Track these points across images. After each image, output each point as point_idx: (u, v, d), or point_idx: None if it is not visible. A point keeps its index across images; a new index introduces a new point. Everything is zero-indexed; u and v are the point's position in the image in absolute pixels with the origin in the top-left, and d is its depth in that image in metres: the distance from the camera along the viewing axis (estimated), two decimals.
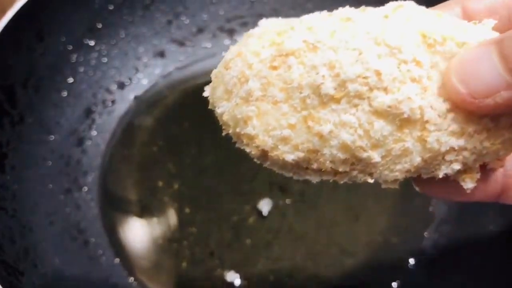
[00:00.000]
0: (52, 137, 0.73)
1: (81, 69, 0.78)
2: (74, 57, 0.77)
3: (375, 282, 0.69)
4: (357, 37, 0.30)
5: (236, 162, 0.75)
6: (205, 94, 0.36)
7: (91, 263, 0.67)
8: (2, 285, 0.49)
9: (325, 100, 0.30)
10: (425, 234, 0.72)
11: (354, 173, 0.33)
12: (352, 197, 0.75)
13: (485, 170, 0.35)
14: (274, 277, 0.68)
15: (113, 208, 0.73)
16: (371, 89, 0.29)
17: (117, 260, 0.68)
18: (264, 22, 0.37)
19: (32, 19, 0.69)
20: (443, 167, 0.32)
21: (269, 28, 0.35)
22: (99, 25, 0.79)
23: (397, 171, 0.33)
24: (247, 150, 0.33)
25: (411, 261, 0.70)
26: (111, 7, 0.79)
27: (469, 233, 0.69)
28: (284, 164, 0.33)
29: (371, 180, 0.34)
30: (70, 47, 0.76)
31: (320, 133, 0.30)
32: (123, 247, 0.70)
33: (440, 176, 0.33)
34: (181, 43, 0.87)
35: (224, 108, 0.33)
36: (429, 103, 0.30)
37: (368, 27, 0.31)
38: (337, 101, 0.30)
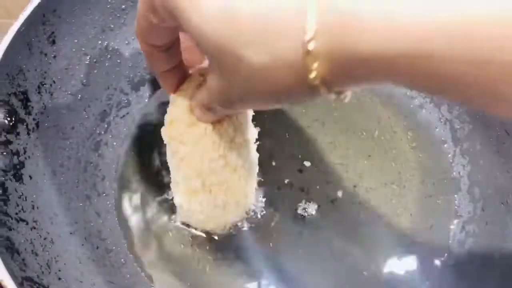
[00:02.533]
0: (68, 143, 0.71)
1: (95, 71, 0.76)
2: (87, 59, 0.75)
3: (402, 284, 0.67)
4: None
5: None
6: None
7: (114, 272, 0.66)
8: None
9: None
10: (451, 234, 0.71)
11: None
12: (372, 197, 0.73)
13: None
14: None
15: (131, 213, 0.72)
16: None
17: (138, 268, 0.67)
18: None
19: (43, 22, 0.67)
20: None
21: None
22: (112, 26, 0.77)
23: None
24: None
25: (437, 262, 0.69)
26: (123, 6, 0.77)
27: (496, 233, 0.68)
28: None
29: None
30: (83, 49, 0.74)
31: None
32: (141, 254, 0.69)
33: None
34: None
35: None
36: None
37: None
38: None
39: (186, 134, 0.59)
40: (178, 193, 0.64)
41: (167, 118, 0.62)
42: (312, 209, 0.71)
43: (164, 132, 0.62)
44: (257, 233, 0.70)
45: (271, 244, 0.69)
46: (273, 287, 0.66)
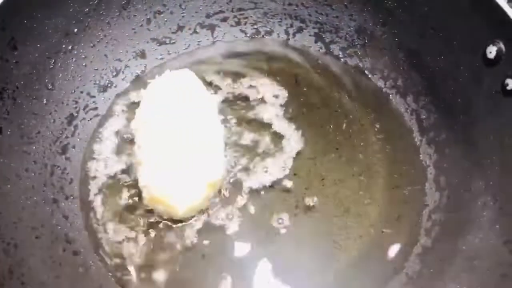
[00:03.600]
0: (33, 147, 0.71)
1: (60, 75, 0.76)
2: (51, 63, 0.75)
3: (370, 275, 0.68)
4: None
5: None
6: None
7: (82, 275, 0.66)
8: None
9: None
10: (418, 223, 0.71)
11: None
12: (340, 190, 0.74)
13: None
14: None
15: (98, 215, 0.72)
16: None
17: (106, 270, 0.68)
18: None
19: (3, 28, 0.67)
20: None
21: None
22: (75, 29, 0.77)
23: None
24: None
25: (405, 251, 0.69)
26: (86, 10, 0.77)
27: (461, 220, 0.68)
28: None
29: None
30: (47, 54, 0.74)
31: None
32: (111, 256, 0.69)
33: None
34: (161, 42, 0.85)
35: None
36: None
37: None
38: None
39: (150, 114, 0.71)
40: (143, 173, 0.69)
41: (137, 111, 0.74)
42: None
43: (133, 123, 0.74)
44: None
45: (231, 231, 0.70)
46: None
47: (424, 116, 0.78)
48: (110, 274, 0.67)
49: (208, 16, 0.87)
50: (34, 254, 0.62)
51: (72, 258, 0.67)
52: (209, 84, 0.82)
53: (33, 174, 0.69)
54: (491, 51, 0.67)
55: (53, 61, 0.75)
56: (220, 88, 0.82)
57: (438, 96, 0.77)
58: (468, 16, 0.70)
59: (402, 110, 0.80)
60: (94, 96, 0.80)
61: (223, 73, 0.84)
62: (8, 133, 0.67)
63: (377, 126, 0.80)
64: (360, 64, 0.85)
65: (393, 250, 0.70)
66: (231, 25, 0.88)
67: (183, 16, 0.86)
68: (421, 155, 0.76)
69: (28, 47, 0.71)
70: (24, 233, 0.63)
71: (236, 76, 0.83)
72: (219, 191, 0.72)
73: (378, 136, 0.78)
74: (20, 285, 0.57)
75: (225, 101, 0.81)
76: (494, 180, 0.66)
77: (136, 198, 0.72)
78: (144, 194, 0.70)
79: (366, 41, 0.84)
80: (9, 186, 0.65)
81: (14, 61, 0.69)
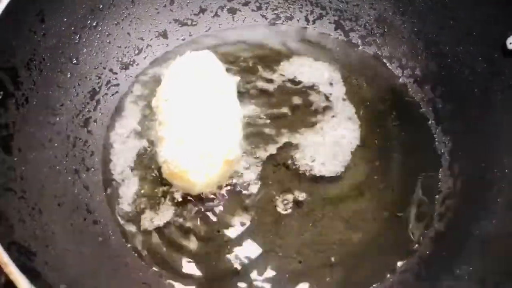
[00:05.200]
0: (57, 119, 0.72)
1: (84, 50, 0.77)
2: (76, 38, 0.76)
3: (382, 256, 0.69)
4: None
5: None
6: None
7: (101, 243, 0.67)
8: (16, 265, 0.49)
9: None
10: (432, 208, 0.72)
11: None
12: (355, 173, 0.75)
13: None
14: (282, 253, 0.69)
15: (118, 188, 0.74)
16: None
17: (124, 240, 0.69)
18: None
19: (32, 0, 0.68)
20: None
21: None
22: (101, 5, 0.78)
23: None
24: None
25: (418, 234, 0.70)
26: None
27: (475, 206, 0.69)
28: None
29: None
30: (72, 28, 0.75)
31: None
32: (129, 227, 0.71)
33: None
34: (183, 23, 0.86)
35: None
36: None
37: None
38: None
39: (171, 93, 0.72)
40: (163, 149, 0.70)
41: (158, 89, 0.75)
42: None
43: (154, 100, 0.75)
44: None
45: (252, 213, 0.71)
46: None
47: (440, 105, 0.79)
48: (129, 244, 0.69)
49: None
50: (57, 221, 0.64)
51: (92, 227, 0.68)
52: (230, 64, 0.83)
53: (56, 144, 0.71)
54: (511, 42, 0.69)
55: (78, 36, 0.76)
56: (237, 70, 0.83)
57: (455, 86, 0.78)
58: (488, 7, 0.71)
59: (418, 99, 0.82)
60: (116, 73, 0.81)
61: (243, 56, 0.85)
62: (34, 103, 0.69)
63: (394, 113, 0.81)
64: (379, 53, 0.86)
65: (406, 233, 0.70)
66: (252, 10, 0.89)
67: None
68: (436, 143, 0.78)
69: (55, 20, 0.72)
70: (47, 200, 0.64)
71: (256, 59, 0.85)
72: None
73: (394, 123, 0.80)
74: (44, 248, 0.58)
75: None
76: (509, 168, 0.67)
77: (155, 173, 0.73)
78: (163, 169, 0.71)
79: (385, 30, 0.85)
80: (34, 154, 0.66)
81: (41, 33, 0.70)
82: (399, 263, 0.68)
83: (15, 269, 0.49)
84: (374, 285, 0.67)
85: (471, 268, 0.62)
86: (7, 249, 0.51)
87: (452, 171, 0.74)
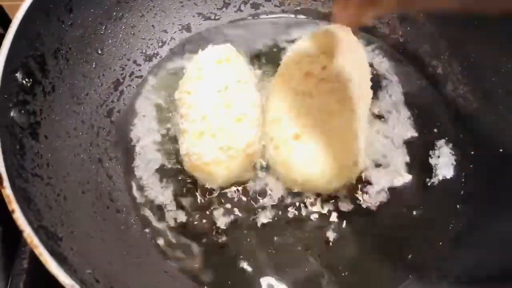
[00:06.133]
0: (82, 108, 0.73)
1: (109, 41, 0.78)
2: (102, 29, 0.77)
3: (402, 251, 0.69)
4: None
5: None
6: None
7: (123, 232, 0.68)
8: (45, 249, 0.50)
9: None
10: (452, 208, 0.72)
11: None
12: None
13: None
14: None
15: (140, 179, 0.74)
16: None
17: (147, 230, 0.70)
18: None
19: None
20: None
21: None
22: None
23: None
24: None
25: (437, 234, 0.70)
26: None
27: (494, 206, 0.69)
28: None
29: None
30: (99, 19, 0.76)
31: None
32: (151, 217, 0.71)
33: None
34: (206, 17, 0.87)
35: None
36: None
37: None
38: None
39: (193, 86, 0.73)
40: (185, 141, 0.71)
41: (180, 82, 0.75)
42: None
43: (176, 93, 0.75)
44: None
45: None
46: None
47: (461, 105, 0.79)
48: (149, 235, 0.69)
49: None
50: (81, 208, 0.65)
51: (115, 215, 0.69)
52: (254, 59, 0.84)
53: (80, 133, 0.72)
54: None
55: (104, 27, 0.77)
56: (258, 64, 0.84)
57: (477, 85, 0.78)
58: None
59: (440, 98, 0.81)
60: (140, 65, 0.82)
61: (264, 50, 0.86)
62: (60, 91, 0.70)
63: (415, 111, 0.81)
64: (401, 51, 0.86)
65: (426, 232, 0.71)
66: (275, 5, 0.90)
67: None
68: (452, 145, 0.77)
69: (82, 11, 0.73)
70: (72, 187, 0.65)
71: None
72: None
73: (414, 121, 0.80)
74: (70, 233, 0.59)
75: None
76: None
77: (177, 166, 0.74)
78: (185, 162, 0.72)
79: (408, 28, 0.85)
80: (59, 142, 0.67)
81: (69, 23, 0.71)
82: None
83: (44, 251, 0.50)
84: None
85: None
86: (36, 232, 0.52)
87: (472, 172, 0.74)
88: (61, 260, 0.52)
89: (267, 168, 0.74)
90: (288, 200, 0.72)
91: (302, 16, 0.90)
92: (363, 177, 0.74)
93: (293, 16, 0.90)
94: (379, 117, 0.79)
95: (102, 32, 0.77)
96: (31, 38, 0.66)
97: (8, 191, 0.53)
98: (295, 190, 0.72)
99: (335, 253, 0.68)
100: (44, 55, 0.68)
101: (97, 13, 0.76)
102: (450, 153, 0.76)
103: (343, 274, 0.67)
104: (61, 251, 0.55)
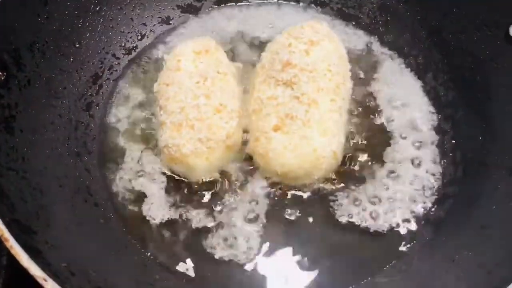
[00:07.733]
0: (60, 102, 0.72)
1: (87, 35, 0.78)
2: (80, 22, 0.76)
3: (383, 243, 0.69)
4: None
5: None
6: None
7: (102, 225, 0.68)
8: (18, 242, 0.50)
9: None
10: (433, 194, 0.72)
11: None
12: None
13: None
14: None
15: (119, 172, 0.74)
16: None
17: (125, 223, 0.69)
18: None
19: None
20: None
21: None
22: None
23: None
24: None
25: (419, 221, 0.70)
26: None
27: (475, 192, 0.69)
28: None
29: None
30: (76, 12, 0.75)
31: None
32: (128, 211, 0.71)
33: None
34: (185, 10, 0.87)
35: None
36: None
37: None
38: None
39: (172, 77, 0.72)
40: (163, 133, 0.71)
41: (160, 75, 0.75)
42: None
43: (155, 85, 0.75)
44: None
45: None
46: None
47: (442, 93, 0.79)
48: (128, 228, 0.69)
49: None
50: (58, 202, 0.64)
51: (93, 209, 0.69)
52: (229, 52, 0.83)
53: (58, 127, 0.71)
54: None
55: (81, 20, 0.77)
56: (238, 56, 0.84)
57: (457, 73, 0.78)
58: None
59: (420, 87, 0.81)
60: (119, 58, 0.82)
61: (243, 42, 0.85)
62: (37, 85, 0.69)
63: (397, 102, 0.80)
64: (382, 41, 0.85)
65: (406, 220, 0.71)
66: None
67: None
68: (438, 131, 0.77)
69: (58, 4, 0.73)
70: (49, 181, 0.65)
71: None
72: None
73: (394, 113, 0.79)
74: (46, 227, 0.58)
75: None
76: (510, 155, 0.67)
77: (155, 158, 0.74)
78: (163, 154, 0.71)
79: (389, 18, 0.85)
80: (35, 136, 0.67)
81: (45, 16, 0.71)
82: (400, 250, 0.68)
83: (15, 244, 0.49)
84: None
85: (470, 253, 0.62)
86: (8, 226, 0.52)
87: (454, 158, 0.74)
88: (34, 253, 0.52)
89: (248, 160, 0.74)
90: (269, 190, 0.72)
91: (285, 6, 0.90)
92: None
93: (275, 6, 0.90)
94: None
95: (79, 25, 0.77)
96: (5, 31, 0.65)
97: None
98: (276, 181, 0.72)
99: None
100: (19, 49, 0.67)
101: (74, 6, 0.75)
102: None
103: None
104: (35, 245, 0.54)
